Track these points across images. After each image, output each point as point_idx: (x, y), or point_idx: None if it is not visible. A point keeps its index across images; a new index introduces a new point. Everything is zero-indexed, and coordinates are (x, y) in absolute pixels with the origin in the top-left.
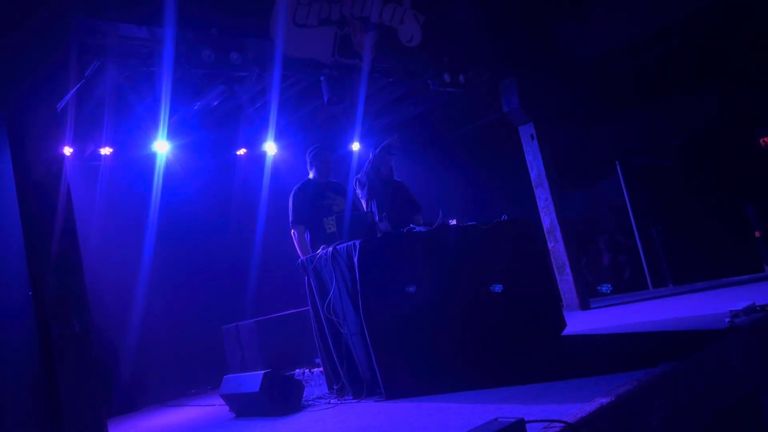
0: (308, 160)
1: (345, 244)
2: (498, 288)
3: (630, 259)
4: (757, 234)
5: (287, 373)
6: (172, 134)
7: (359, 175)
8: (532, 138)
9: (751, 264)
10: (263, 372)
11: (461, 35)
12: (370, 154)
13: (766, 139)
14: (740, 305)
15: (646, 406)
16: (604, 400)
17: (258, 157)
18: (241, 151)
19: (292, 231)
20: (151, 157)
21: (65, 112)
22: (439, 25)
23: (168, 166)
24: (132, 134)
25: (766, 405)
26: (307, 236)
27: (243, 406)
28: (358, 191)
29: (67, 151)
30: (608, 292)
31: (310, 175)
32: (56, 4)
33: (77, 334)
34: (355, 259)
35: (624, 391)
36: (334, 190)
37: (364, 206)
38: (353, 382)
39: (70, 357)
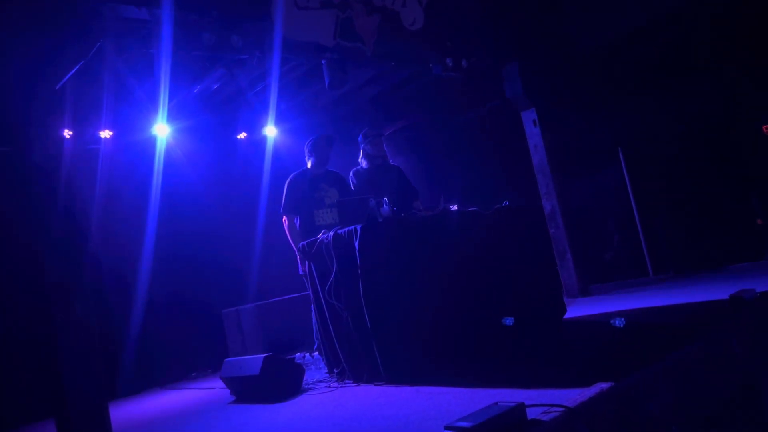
0: (306, 150)
1: (346, 229)
2: (509, 321)
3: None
4: (759, 221)
5: (287, 357)
6: (172, 118)
7: (351, 174)
8: (535, 124)
9: (753, 251)
10: (264, 356)
11: (464, 19)
12: (361, 145)
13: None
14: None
15: (647, 391)
16: (604, 386)
17: (259, 141)
18: (242, 135)
19: (283, 218)
20: (151, 141)
21: (64, 95)
22: (442, 8)
23: (168, 150)
24: (132, 117)
25: (766, 393)
26: (297, 223)
27: (243, 390)
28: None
29: (67, 134)
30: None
31: (308, 165)
32: None
33: (78, 318)
34: (356, 244)
35: (624, 377)
36: (329, 182)
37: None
38: (354, 367)
39: (72, 340)
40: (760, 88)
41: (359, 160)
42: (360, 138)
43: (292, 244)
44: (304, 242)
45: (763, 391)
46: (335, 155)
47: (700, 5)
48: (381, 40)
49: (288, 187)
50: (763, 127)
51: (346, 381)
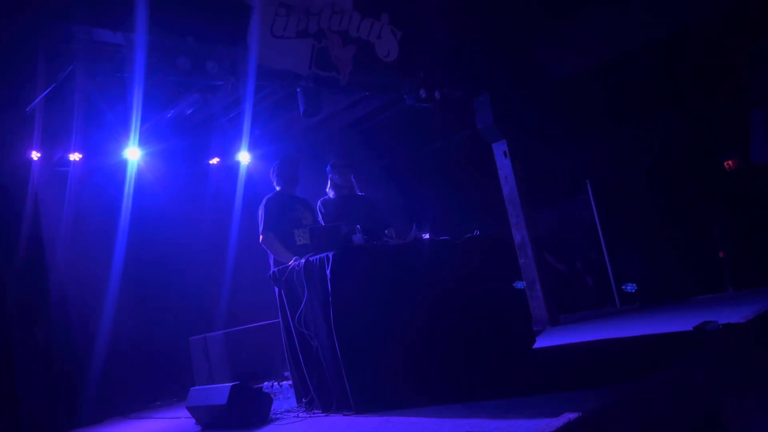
0: (273, 175)
1: (318, 256)
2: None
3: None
4: (721, 254)
5: (255, 386)
6: (144, 142)
7: (319, 203)
8: (505, 155)
9: (715, 283)
10: (231, 384)
11: (437, 52)
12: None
13: (729, 162)
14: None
15: (613, 421)
16: (572, 416)
17: (231, 167)
18: (214, 161)
19: (262, 237)
20: (122, 165)
21: (33, 117)
22: (416, 41)
23: (139, 174)
24: (102, 140)
25: (729, 422)
26: (280, 243)
27: (209, 419)
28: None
29: (35, 156)
30: (633, 291)
31: (277, 189)
32: (26, 8)
33: (39, 343)
34: (328, 272)
35: (591, 407)
36: (303, 205)
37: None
38: (322, 396)
39: (31, 366)
40: (723, 125)
41: (327, 190)
42: (328, 168)
43: (280, 259)
44: (275, 269)
45: (725, 420)
46: (306, 185)
47: (668, 42)
48: (356, 70)
49: (265, 206)
50: (725, 163)
51: (315, 411)
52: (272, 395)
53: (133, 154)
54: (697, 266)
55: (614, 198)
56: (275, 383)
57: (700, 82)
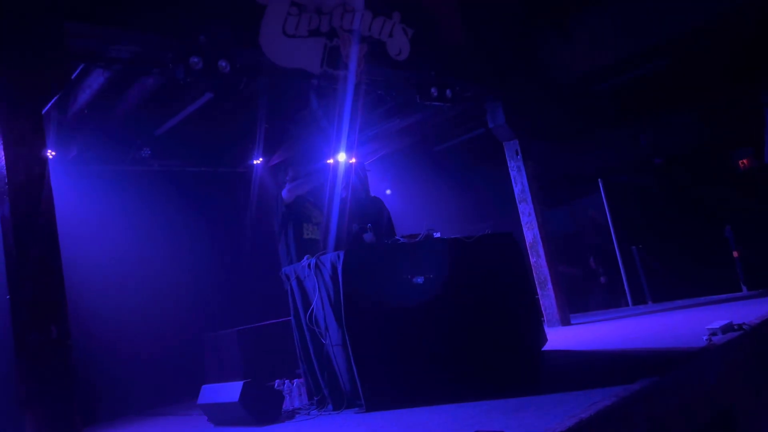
0: (288, 177)
1: (329, 255)
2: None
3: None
4: (734, 254)
5: (267, 384)
6: (157, 140)
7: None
8: (517, 154)
9: (729, 283)
10: (242, 382)
11: (449, 51)
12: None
13: (744, 161)
14: (718, 324)
15: (625, 422)
16: (584, 416)
17: (244, 166)
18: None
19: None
20: (135, 162)
21: (49, 115)
22: (428, 40)
23: (152, 172)
24: (114, 140)
25: (741, 422)
26: (291, 232)
27: (221, 416)
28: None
29: (50, 154)
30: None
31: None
32: (42, 8)
33: (54, 340)
34: (339, 270)
35: (603, 407)
36: (312, 204)
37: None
38: (334, 394)
39: (46, 363)
40: (735, 124)
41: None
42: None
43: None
44: (286, 268)
45: (737, 421)
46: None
47: (676, 42)
48: (367, 69)
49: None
50: (740, 162)
51: (326, 408)
52: (284, 392)
53: (146, 152)
54: (710, 265)
55: (627, 197)
56: (287, 381)
57: (713, 80)
